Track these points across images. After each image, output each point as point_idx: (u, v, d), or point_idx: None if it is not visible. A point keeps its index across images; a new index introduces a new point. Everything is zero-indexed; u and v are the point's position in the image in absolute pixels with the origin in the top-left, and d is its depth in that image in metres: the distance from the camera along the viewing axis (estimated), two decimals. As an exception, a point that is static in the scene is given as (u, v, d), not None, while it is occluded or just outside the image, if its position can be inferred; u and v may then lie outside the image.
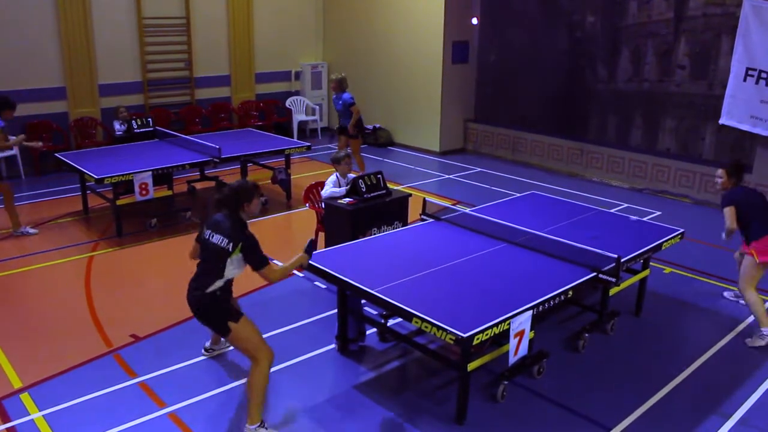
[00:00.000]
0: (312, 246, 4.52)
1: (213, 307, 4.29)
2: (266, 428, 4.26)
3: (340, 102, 9.91)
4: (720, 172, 5.90)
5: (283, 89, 13.98)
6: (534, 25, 11.88)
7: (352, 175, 6.69)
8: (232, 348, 5.18)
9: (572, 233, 5.70)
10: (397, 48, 12.79)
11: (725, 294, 6.59)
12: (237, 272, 4.31)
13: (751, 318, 6.07)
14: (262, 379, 4.27)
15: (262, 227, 8.51)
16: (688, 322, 6.15)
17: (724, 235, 5.73)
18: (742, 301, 6.20)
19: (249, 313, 5.99)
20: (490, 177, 11.01)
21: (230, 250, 4.17)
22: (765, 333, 5.61)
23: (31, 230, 8.03)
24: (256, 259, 4.22)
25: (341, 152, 6.94)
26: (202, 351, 5.27)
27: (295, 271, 6.89)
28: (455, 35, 12.11)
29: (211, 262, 4.27)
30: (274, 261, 7.22)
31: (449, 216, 6.16)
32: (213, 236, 4.27)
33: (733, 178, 5.82)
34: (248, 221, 4.36)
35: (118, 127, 9.81)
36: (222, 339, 5.15)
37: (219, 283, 4.24)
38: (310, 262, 5.05)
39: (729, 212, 5.66)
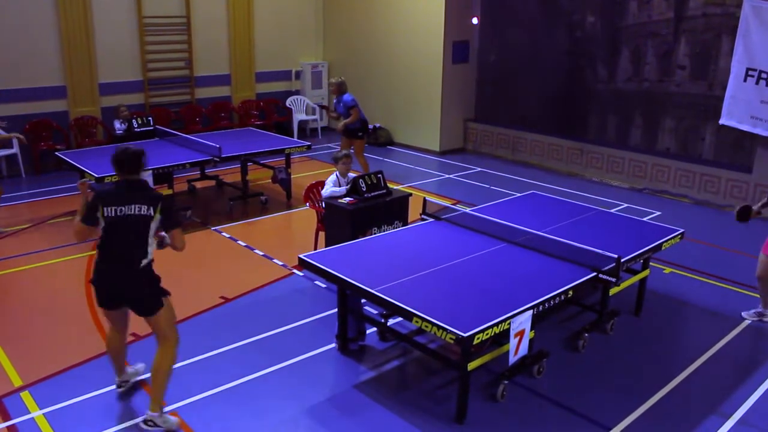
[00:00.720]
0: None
1: (148, 282, 4.16)
2: (163, 414, 4.26)
3: (341, 104, 9.93)
4: None
5: (284, 88, 13.97)
6: (534, 25, 11.88)
7: (352, 175, 6.70)
8: (147, 376, 4.74)
9: (572, 233, 5.71)
10: (397, 48, 12.79)
11: (744, 314, 6.13)
12: (153, 244, 4.17)
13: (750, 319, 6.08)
14: (172, 361, 4.29)
15: (262, 227, 8.52)
16: (688, 322, 6.15)
17: None
18: (766, 319, 6.02)
19: (248, 313, 6.06)
20: (490, 177, 11.01)
21: (152, 214, 4.06)
22: None
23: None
24: (175, 217, 4.19)
25: (341, 151, 6.95)
26: (116, 387, 4.69)
27: (296, 271, 6.90)
28: (455, 35, 12.11)
29: (133, 235, 4.07)
30: (275, 260, 7.30)
31: (449, 216, 6.17)
32: (131, 207, 4.05)
33: None
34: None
35: (119, 126, 9.80)
36: (128, 368, 4.74)
37: (146, 260, 4.12)
38: (308, 261, 5.07)
39: None
